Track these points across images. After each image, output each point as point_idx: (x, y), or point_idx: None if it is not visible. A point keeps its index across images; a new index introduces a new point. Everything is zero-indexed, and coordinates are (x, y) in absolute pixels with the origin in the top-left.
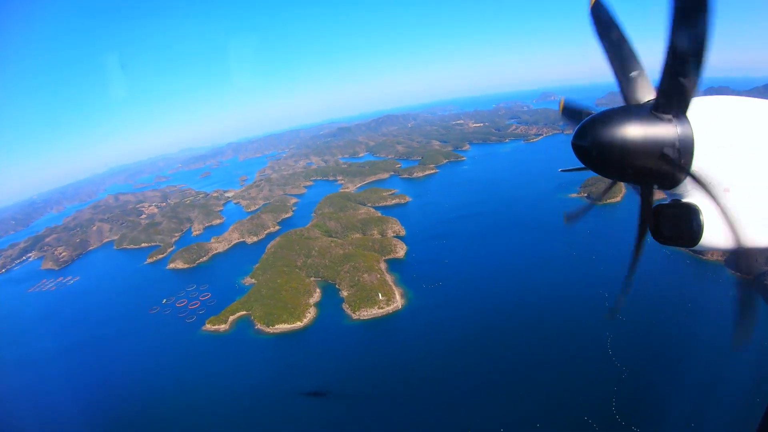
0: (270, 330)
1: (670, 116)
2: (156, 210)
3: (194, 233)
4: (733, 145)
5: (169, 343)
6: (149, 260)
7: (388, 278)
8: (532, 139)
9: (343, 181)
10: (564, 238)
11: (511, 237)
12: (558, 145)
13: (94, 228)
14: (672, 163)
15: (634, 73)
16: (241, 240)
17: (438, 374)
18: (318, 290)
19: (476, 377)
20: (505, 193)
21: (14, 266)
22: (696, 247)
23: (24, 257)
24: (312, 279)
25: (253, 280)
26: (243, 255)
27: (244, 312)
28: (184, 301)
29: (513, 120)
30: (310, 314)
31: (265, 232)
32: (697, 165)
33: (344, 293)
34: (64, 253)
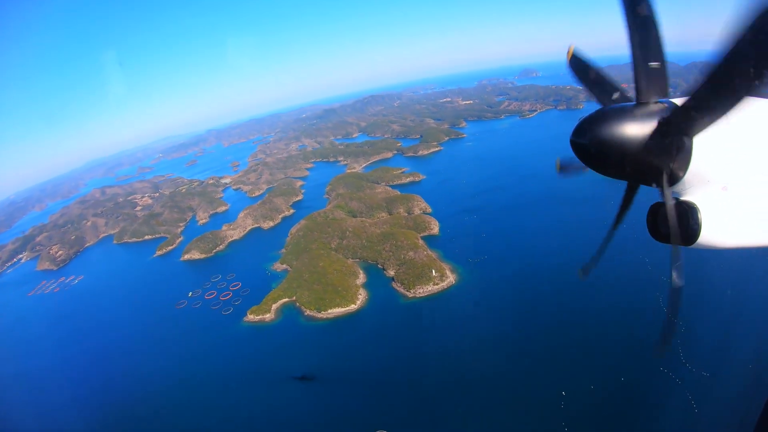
0: (322, 315)
1: (654, 100)
2: (150, 201)
3: (200, 222)
4: (730, 143)
5: (211, 339)
6: (159, 253)
7: (433, 254)
8: (527, 114)
9: (346, 162)
10: (593, 211)
11: (538, 210)
12: (555, 121)
13: (88, 223)
14: (669, 165)
15: (654, 64)
16: (256, 225)
17: (508, 348)
18: (361, 271)
19: (541, 349)
20: (518, 169)
21: (6, 269)
22: (694, 245)
23: (15, 259)
24: (351, 260)
25: (285, 266)
26: (262, 241)
27: (287, 299)
28: (213, 293)
29: (502, 97)
30: (362, 296)
31: (280, 216)
32: (695, 163)
33: (390, 272)
34: (60, 252)
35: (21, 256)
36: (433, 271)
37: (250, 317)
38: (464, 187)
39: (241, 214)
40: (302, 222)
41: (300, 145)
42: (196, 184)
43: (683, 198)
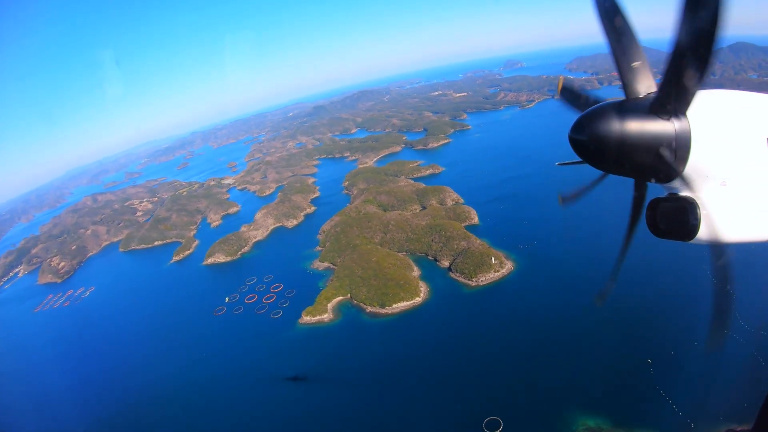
0: (386, 311)
1: (668, 114)
2: (150, 205)
3: (213, 224)
4: (730, 139)
5: (269, 345)
6: (176, 258)
7: (484, 243)
8: (526, 105)
9: (355, 157)
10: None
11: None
12: (556, 111)
13: (88, 232)
14: (668, 160)
15: (636, 64)
16: (278, 224)
17: (581, 328)
18: (413, 264)
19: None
20: (535, 157)
21: (3, 284)
22: (693, 242)
23: (12, 273)
24: (401, 254)
25: (326, 264)
26: (289, 239)
27: (341, 297)
28: (253, 296)
29: (494, 88)
30: (423, 288)
31: (302, 214)
32: (694, 158)
33: (445, 263)
34: (62, 264)
35: (18, 269)
36: (493, 258)
37: (306, 319)
38: (486, 176)
39: (259, 214)
40: (335, 218)
41: (298, 143)
42: (196, 186)
43: (682, 193)
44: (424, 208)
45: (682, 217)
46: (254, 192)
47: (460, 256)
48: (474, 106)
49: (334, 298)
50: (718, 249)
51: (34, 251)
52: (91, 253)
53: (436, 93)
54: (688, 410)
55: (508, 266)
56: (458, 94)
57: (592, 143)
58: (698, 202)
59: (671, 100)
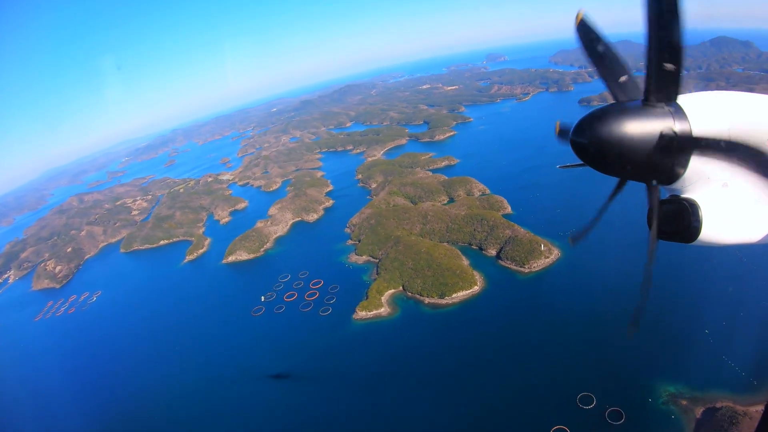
0: (446, 301)
1: (662, 104)
2: (145, 204)
3: (222, 221)
4: (731, 140)
5: (327, 344)
6: (189, 257)
7: (527, 231)
8: (522, 98)
9: (360, 150)
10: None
11: (596, 183)
12: (553, 103)
13: (83, 233)
14: (671, 149)
15: (623, 78)
16: (298, 219)
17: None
18: (460, 253)
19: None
20: (550, 148)
21: None
22: (695, 243)
23: (1, 279)
24: (443, 244)
25: (366, 257)
26: (314, 233)
27: (393, 290)
28: (292, 294)
29: (485, 82)
30: (478, 277)
31: (322, 208)
32: (695, 160)
33: (491, 251)
34: (59, 267)
35: (8, 275)
36: (542, 245)
37: (362, 314)
38: (505, 167)
39: (274, 209)
40: (365, 211)
41: (292, 137)
42: (192, 183)
43: (684, 195)
44: (451, 199)
45: (683, 218)
46: (259, 187)
47: (508, 244)
48: (469, 99)
49: (386, 291)
50: (651, 254)
51: (23, 255)
52: (88, 256)
53: (426, 86)
54: (749, 370)
55: (556, 253)
56: (449, 88)
57: (593, 147)
58: (700, 203)
59: (659, 86)
